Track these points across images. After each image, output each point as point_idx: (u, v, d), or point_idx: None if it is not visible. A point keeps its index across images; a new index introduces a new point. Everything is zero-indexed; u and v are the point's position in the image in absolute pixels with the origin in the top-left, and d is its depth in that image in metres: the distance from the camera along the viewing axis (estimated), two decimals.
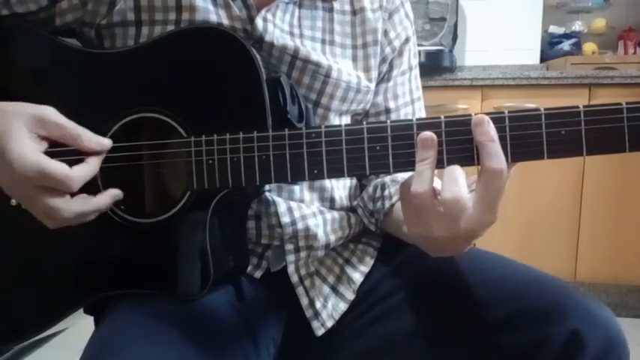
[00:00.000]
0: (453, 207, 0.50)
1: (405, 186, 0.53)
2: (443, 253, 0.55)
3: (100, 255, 0.63)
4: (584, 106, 0.50)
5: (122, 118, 0.61)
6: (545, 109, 0.51)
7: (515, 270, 0.64)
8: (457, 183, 0.50)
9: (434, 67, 2.20)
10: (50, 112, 0.56)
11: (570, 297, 0.57)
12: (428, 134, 0.52)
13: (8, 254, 0.65)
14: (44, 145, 0.55)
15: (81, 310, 0.67)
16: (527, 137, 0.51)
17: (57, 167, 0.53)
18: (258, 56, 0.59)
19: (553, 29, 2.61)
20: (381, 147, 0.54)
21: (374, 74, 0.74)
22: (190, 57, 0.60)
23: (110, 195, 0.59)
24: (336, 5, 0.72)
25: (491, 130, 0.50)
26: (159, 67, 0.62)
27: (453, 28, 2.42)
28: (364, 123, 0.54)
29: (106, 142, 0.59)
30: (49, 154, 0.55)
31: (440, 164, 0.52)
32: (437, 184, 0.52)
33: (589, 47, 2.54)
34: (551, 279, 0.61)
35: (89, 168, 0.56)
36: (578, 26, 2.58)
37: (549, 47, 2.59)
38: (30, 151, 0.53)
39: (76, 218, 0.56)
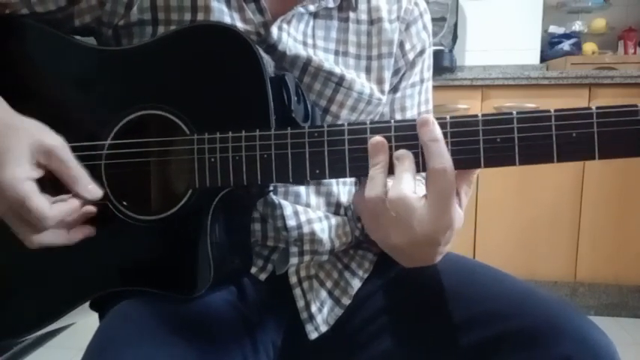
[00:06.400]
0: (401, 206, 0.49)
1: (360, 193, 0.52)
2: (413, 262, 0.54)
3: (100, 251, 0.63)
4: (597, 108, 0.48)
5: (127, 115, 0.61)
6: (556, 111, 0.49)
7: (508, 286, 0.63)
8: (401, 182, 0.50)
9: (434, 67, 2.19)
10: (58, 146, 0.56)
11: (563, 318, 0.57)
12: (378, 139, 0.51)
13: (12, 250, 0.65)
14: (39, 174, 0.56)
15: (87, 308, 0.67)
16: (535, 139, 0.49)
17: (38, 205, 0.53)
18: (262, 53, 0.58)
19: (553, 29, 2.61)
20: None
21: (386, 86, 0.73)
22: (194, 54, 0.60)
23: (83, 232, 0.59)
24: (352, 15, 0.70)
25: (436, 129, 0.50)
26: (163, 64, 0.62)
27: (453, 28, 2.42)
28: (367, 122, 0.53)
29: (97, 193, 0.59)
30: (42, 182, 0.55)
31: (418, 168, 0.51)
32: (422, 190, 0.51)
33: (589, 47, 2.55)
34: (545, 296, 0.60)
35: (68, 208, 0.57)
36: (578, 26, 2.59)
37: (549, 47, 2.59)
38: (22, 178, 0.53)
39: (44, 246, 0.57)
